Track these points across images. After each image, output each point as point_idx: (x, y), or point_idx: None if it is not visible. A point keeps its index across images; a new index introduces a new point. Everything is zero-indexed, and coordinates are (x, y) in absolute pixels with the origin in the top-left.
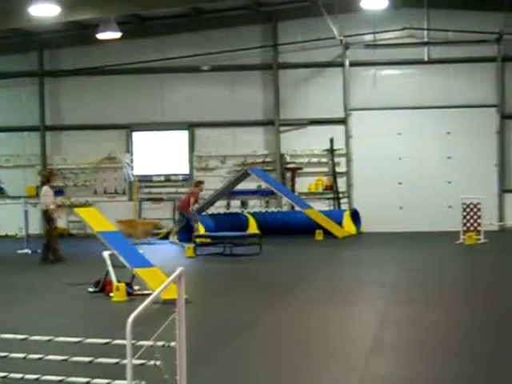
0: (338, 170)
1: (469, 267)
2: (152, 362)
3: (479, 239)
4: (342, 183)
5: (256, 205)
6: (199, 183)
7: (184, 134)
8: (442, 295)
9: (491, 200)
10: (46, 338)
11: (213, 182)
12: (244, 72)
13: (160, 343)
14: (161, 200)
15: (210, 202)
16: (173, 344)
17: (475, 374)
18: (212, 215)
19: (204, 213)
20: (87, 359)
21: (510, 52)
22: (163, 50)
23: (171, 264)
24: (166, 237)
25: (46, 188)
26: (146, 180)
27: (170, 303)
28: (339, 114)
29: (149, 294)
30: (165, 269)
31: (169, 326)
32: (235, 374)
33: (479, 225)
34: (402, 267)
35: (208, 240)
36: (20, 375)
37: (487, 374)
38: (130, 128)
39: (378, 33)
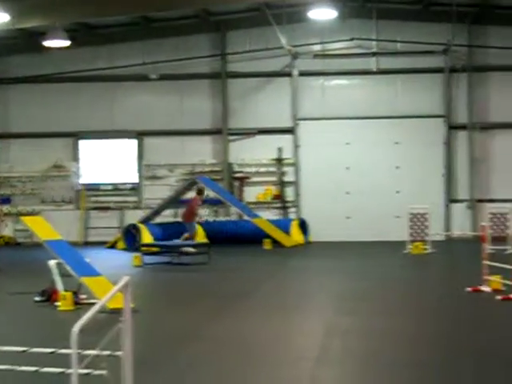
0: (286, 179)
1: (414, 277)
2: (98, 372)
3: (426, 249)
4: (290, 192)
5: (204, 214)
6: (200, 191)
7: (132, 143)
8: (388, 305)
9: (438, 210)
10: None
11: (161, 191)
12: (193, 81)
13: (106, 353)
14: (108, 209)
15: (158, 211)
16: (119, 353)
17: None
18: (160, 224)
19: (151, 222)
20: (32, 369)
21: (457, 63)
22: (112, 58)
23: (119, 273)
24: (113, 246)
25: None
26: (93, 189)
27: (117, 312)
28: (287, 123)
29: (96, 303)
30: (112, 278)
31: (115, 335)
32: (181, 383)
33: (426, 235)
34: (348, 277)
35: (156, 249)
36: None
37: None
38: (77, 136)
39: (326, 43)
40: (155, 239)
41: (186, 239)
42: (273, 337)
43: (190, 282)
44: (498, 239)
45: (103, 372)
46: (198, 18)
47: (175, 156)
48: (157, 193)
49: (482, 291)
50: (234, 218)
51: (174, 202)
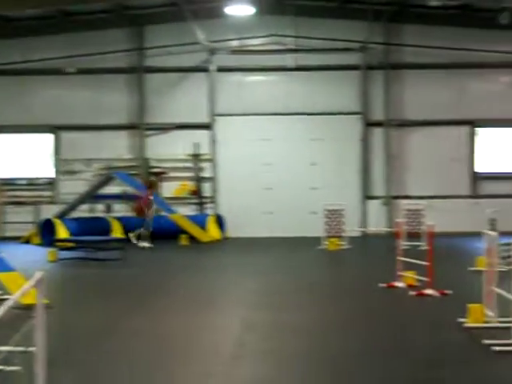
0: (203, 174)
1: (329, 272)
2: (11, 368)
3: (342, 245)
4: (207, 188)
5: (120, 209)
6: (151, 185)
7: (49, 137)
8: (302, 299)
9: (354, 206)
10: None
11: (77, 186)
12: (110, 75)
13: (19, 349)
14: (24, 204)
15: (74, 206)
16: (32, 349)
17: (337, 375)
18: (76, 219)
19: (67, 217)
20: None
21: (374, 61)
22: (28, 51)
23: (33, 268)
24: (27, 241)
25: None
26: (9, 183)
27: (31, 308)
28: (205, 118)
29: (8, 299)
30: (26, 273)
31: (29, 331)
32: (95, 379)
33: (342, 230)
34: (264, 272)
35: (71, 244)
36: None
37: (350, 376)
38: None
39: (244, 39)
40: (71, 234)
41: (138, 235)
42: (187, 332)
43: (105, 278)
44: (413, 235)
45: (16, 368)
46: (116, 13)
47: (92, 151)
48: (73, 188)
49: (397, 287)
50: None
51: (90, 197)
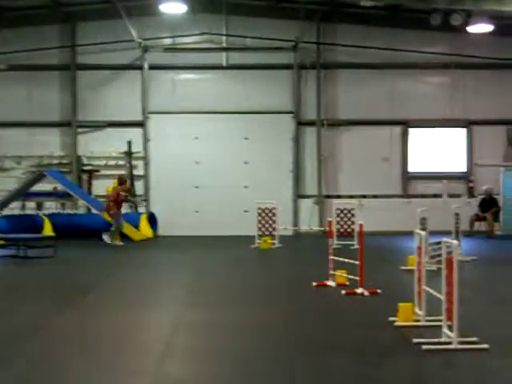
0: (135, 172)
1: (261, 271)
2: None
3: (274, 243)
4: (139, 186)
5: (52, 207)
6: (122, 181)
7: None
8: (234, 298)
9: (286, 205)
10: None
11: (7, 183)
12: (42, 72)
13: None
14: None
15: (4, 203)
16: None
17: (270, 374)
18: (6, 216)
19: None
20: None
21: (306, 60)
22: None
23: None
24: None
25: None
26: None
27: None
28: (138, 116)
29: None
30: None
31: None
32: (19, 380)
33: (274, 229)
34: (196, 271)
35: (1, 242)
36: None
37: (278, 373)
38: None
39: (177, 37)
40: (1, 232)
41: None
42: (117, 331)
43: (35, 276)
44: (345, 234)
45: None
46: (49, 9)
47: (23, 148)
48: (3, 185)
49: (328, 286)
50: (82, 211)
51: (21, 194)
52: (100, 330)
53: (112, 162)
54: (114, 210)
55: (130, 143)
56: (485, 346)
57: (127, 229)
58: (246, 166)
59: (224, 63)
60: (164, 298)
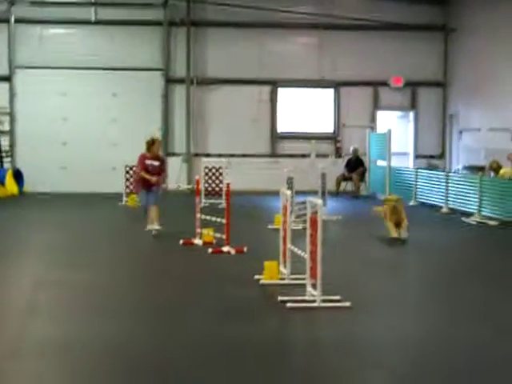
0: (1, 128)
1: (127, 228)
2: None
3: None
4: (5, 142)
5: None
6: (151, 143)
7: None
8: (99, 257)
9: None
10: None
11: None
12: None
13: None
14: None
15: None
16: None
17: (133, 333)
18: None
19: None
20: None
21: (176, 17)
22: None
23: None
24: None
25: None
26: None
27: None
28: (4, 71)
29: None
30: None
31: None
32: None
33: None
34: (61, 228)
35: None
36: None
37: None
38: None
39: None
40: None
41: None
42: None
43: None
44: (213, 193)
45: None
46: None
47: None
48: None
49: (194, 244)
50: None
51: None
52: None
53: None
54: (138, 185)
55: None
56: (347, 304)
57: None
58: (114, 123)
59: (93, 18)
60: (26, 256)
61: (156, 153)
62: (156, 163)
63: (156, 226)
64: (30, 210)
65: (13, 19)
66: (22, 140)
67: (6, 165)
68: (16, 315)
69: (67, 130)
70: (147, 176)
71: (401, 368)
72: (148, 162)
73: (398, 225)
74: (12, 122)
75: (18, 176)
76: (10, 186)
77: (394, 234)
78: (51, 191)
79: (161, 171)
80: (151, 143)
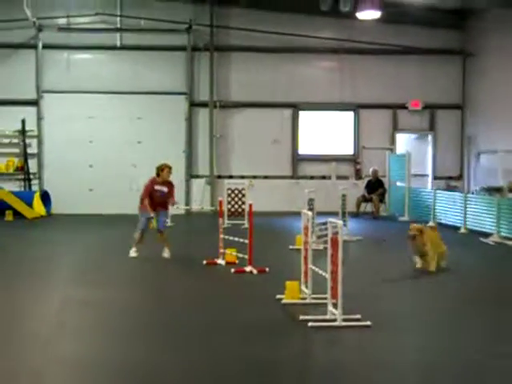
0: (29, 151)
1: (152, 249)
2: None
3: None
4: (33, 164)
5: None
6: (161, 169)
7: None
8: (127, 277)
9: (179, 185)
10: None
11: None
12: None
13: None
14: None
15: None
16: None
17: (155, 350)
18: None
19: None
20: None
21: (199, 42)
22: None
23: None
24: None
25: None
26: None
27: None
28: (32, 95)
29: None
30: None
31: None
32: None
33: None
34: (89, 249)
35: None
36: None
37: (167, 350)
38: None
39: (71, 17)
40: None
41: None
42: (4, 309)
43: None
44: (235, 214)
45: None
46: None
47: None
48: None
49: (217, 264)
50: None
51: None
52: None
53: (6, 141)
54: (142, 207)
55: (23, 121)
56: (367, 322)
57: (20, 206)
58: (138, 145)
59: (118, 44)
60: (55, 275)
61: (166, 178)
62: (165, 189)
63: (165, 254)
64: (56, 230)
65: (40, 45)
66: (49, 162)
67: (34, 187)
68: (44, 332)
69: (93, 152)
70: (148, 207)
71: None
72: (157, 187)
73: (422, 256)
74: (39, 145)
75: (45, 198)
76: (38, 207)
77: (417, 264)
78: (77, 213)
79: (169, 196)
80: (161, 169)
